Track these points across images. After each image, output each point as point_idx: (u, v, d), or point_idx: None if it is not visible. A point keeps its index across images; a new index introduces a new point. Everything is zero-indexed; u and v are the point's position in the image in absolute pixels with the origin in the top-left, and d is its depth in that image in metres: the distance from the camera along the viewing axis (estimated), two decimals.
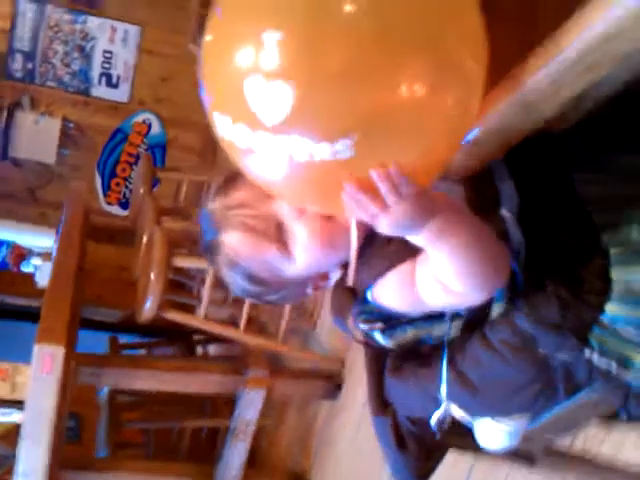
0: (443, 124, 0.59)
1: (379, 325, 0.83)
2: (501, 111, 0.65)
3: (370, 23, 0.53)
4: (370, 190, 0.59)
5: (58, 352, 2.13)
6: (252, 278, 0.79)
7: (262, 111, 0.58)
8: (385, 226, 0.63)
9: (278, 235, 0.76)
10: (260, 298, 0.85)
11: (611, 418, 1.02)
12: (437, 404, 0.82)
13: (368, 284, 0.77)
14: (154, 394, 3.43)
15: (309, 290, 0.84)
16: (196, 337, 3.98)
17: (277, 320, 2.86)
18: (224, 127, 0.63)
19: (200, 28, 2.35)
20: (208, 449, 3.29)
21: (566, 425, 0.93)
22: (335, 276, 0.82)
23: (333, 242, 0.76)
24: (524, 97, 0.64)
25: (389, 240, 0.75)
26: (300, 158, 0.58)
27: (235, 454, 2.75)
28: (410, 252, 0.73)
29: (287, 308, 2.70)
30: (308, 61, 0.55)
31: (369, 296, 0.78)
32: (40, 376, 2.13)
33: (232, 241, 0.78)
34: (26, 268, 3.39)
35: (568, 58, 0.57)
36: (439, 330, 0.82)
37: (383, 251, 0.76)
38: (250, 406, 2.66)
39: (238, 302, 2.91)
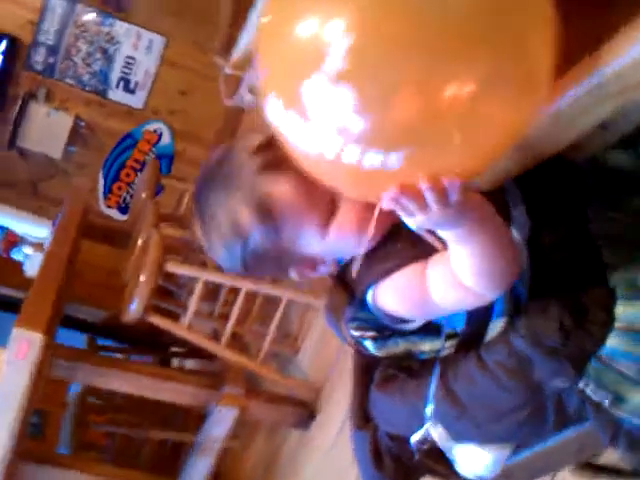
0: (502, 129, 0.57)
1: (371, 334, 0.82)
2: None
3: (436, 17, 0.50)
4: (412, 192, 0.57)
5: (36, 339, 2.10)
6: (272, 231, 0.74)
7: (319, 108, 0.55)
8: (419, 224, 0.62)
9: (327, 209, 0.73)
10: (251, 254, 0.76)
11: (590, 467, 1.02)
12: (421, 422, 0.81)
13: (370, 283, 0.76)
14: (124, 402, 3.38)
15: (293, 273, 0.80)
16: (174, 349, 3.94)
17: (260, 342, 2.83)
18: (275, 110, 0.59)
19: (226, 45, 2.38)
20: (171, 462, 3.23)
21: (547, 465, 0.92)
22: (324, 270, 0.81)
23: (377, 228, 0.74)
24: (558, 110, 0.64)
25: (396, 240, 0.75)
26: (348, 160, 0.56)
27: (197, 470, 2.70)
28: (417, 253, 0.72)
29: (272, 329, 2.68)
30: (375, 68, 0.52)
31: (369, 297, 0.77)
32: (14, 361, 2.10)
33: (284, 188, 0.71)
34: (16, 255, 3.36)
35: (605, 75, 0.58)
36: (430, 346, 0.81)
37: (389, 251, 0.75)
38: (220, 423, 2.62)
39: (223, 317, 2.89)
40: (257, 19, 1.97)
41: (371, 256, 0.76)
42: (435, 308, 0.73)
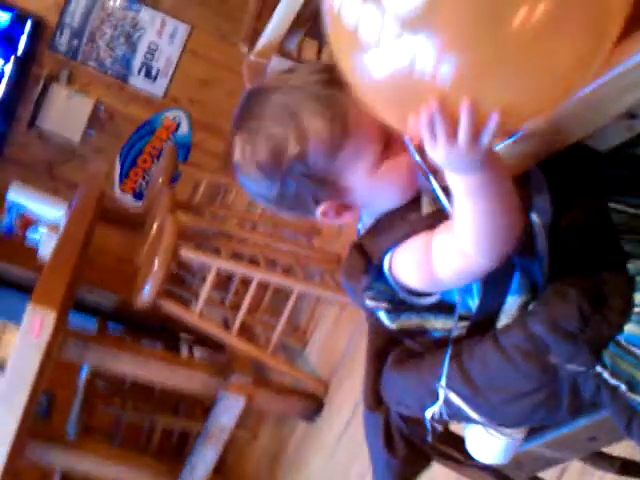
0: (560, 71, 0.56)
1: (385, 306, 0.81)
2: (562, 108, 0.65)
3: None
4: (449, 114, 0.56)
5: (50, 316, 2.11)
6: (334, 147, 0.72)
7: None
8: (440, 156, 0.61)
9: (386, 146, 0.74)
10: (293, 174, 0.74)
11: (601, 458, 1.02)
12: (435, 398, 0.81)
13: (386, 250, 0.76)
14: (132, 387, 3.40)
15: (321, 207, 0.79)
16: (183, 336, 3.95)
17: (269, 333, 2.84)
18: (351, 5, 0.57)
19: (251, 37, 2.39)
20: (176, 451, 3.25)
21: (558, 455, 0.92)
22: (348, 217, 0.80)
23: (411, 185, 0.77)
24: (580, 100, 0.64)
25: (412, 209, 0.75)
26: (402, 60, 0.55)
27: (203, 458, 2.71)
28: (431, 223, 0.73)
29: (282, 321, 2.69)
30: None
31: (385, 265, 0.77)
32: (28, 338, 2.11)
33: (354, 105, 0.67)
34: (32, 234, 3.38)
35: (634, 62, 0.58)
36: (443, 325, 0.81)
37: (406, 218, 0.76)
38: (227, 411, 2.63)
39: (234, 307, 2.90)
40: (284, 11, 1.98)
41: (391, 224, 0.77)
42: (440, 278, 0.73)
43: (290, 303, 2.68)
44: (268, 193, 0.79)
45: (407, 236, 0.75)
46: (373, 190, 0.77)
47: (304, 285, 2.74)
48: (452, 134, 0.58)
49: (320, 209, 0.79)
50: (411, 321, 0.81)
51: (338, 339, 2.82)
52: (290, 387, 2.88)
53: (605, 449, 0.93)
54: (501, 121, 0.57)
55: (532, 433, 0.87)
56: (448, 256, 0.71)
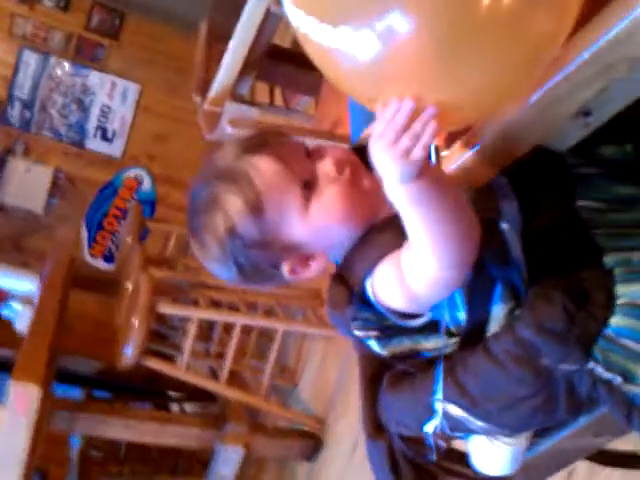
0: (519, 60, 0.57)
1: (374, 334, 0.82)
2: (509, 120, 0.67)
3: None
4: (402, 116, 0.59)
5: (34, 391, 2.07)
6: (260, 215, 0.75)
7: None
8: (379, 152, 0.61)
9: (306, 186, 0.76)
10: (241, 250, 0.77)
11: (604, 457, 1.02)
12: (432, 414, 0.81)
13: (364, 276, 0.76)
14: (127, 451, 3.33)
15: (284, 268, 0.80)
16: (172, 394, 3.90)
17: (259, 376, 2.81)
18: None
19: (202, 87, 2.42)
20: None
21: (564, 457, 0.92)
22: (316, 267, 0.81)
23: (351, 214, 0.77)
24: (534, 104, 0.66)
25: (384, 232, 0.76)
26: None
27: None
28: (402, 242, 0.72)
29: (270, 362, 2.67)
30: None
31: (369, 292, 0.77)
32: (14, 416, 2.07)
33: (266, 166, 0.74)
34: (6, 312, 3.32)
35: (584, 58, 0.60)
36: (434, 344, 0.81)
37: (377, 241, 0.76)
38: (226, 463, 2.59)
39: (220, 355, 2.87)
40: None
41: (364, 249, 0.77)
42: (416, 294, 0.72)
43: (276, 344, 2.66)
44: (233, 276, 0.81)
45: (380, 258, 0.75)
46: (319, 232, 0.78)
47: (287, 324, 2.73)
48: (395, 136, 0.59)
49: (285, 270, 0.80)
50: (402, 345, 0.81)
51: (328, 373, 2.80)
52: (287, 429, 2.85)
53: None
54: (440, 121, 0.58)
55: (535, 438, 0.87)
56: (416, 271, 0.70)
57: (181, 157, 4.68)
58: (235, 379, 3.04)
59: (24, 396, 2.06)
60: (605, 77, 0.62)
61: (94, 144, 4.49)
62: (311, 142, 0.75)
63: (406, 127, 0.59)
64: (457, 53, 0.56)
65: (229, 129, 1.82)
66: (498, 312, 0.77)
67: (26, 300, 3.29)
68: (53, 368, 2.51)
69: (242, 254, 0.78)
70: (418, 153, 0.59)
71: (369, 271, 0.75)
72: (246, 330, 2.81)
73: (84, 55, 4.33)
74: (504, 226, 0.76)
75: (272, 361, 2.68)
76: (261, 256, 0.79)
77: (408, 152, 0.59)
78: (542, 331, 0.72)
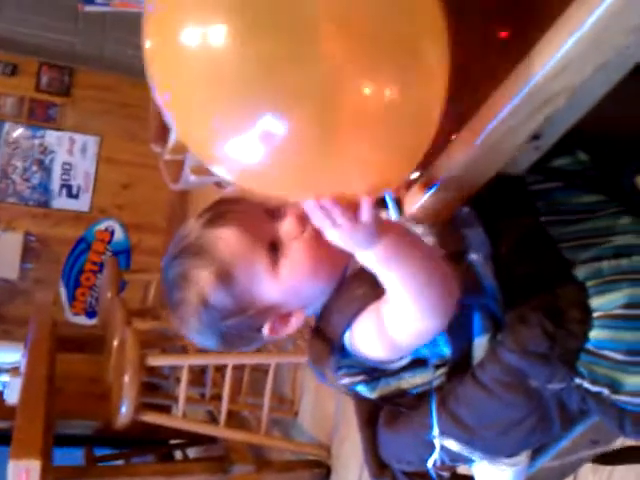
0: (404, 135, 0.58)
1: (360, 378, 0.83)
2: (462, 159, 0.68)
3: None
4: (326, 205, 0.61)
5: (34, 466, 2.04)
6: (230, 285, 0.76)
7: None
8: (337, 240, 0.64)
9: (271, 249, 0.76)
10: (219, 321, 0.78)
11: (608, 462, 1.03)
12: (432, 448, 0.82)
13: (344, 329, 0.77)
14: None
15: (265, 329, 0.81)
16: (174, 442, 3.86)
17: (257, 412, 2.80)
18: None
19: (161, 132, 2.42)
20: None
21: (566, 466, 0.93)
22: (296, 322, 0.82)
23: (320, 267, 0.77)
24: (483, 143, 0.68)
25: (358, 284, 0.77)
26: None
27: None
28: (378, 294, 0.74)
29: (267, 398, 2.66)
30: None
31: (347, 343, 0.78)
32: None
33: (228, 236, 0.75)
34: None
35: (524, 93, 0.62)
36: (422, 379, 0.82)
37: (353, 295, 0.77)
38: None
39: (215, 398, 2.86)
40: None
41: (340, 304, 0.78)
42: (399, 344, 0.74)
43: (270, 378, 2.65)
44: (215, 344, 0.82)
45: (359, 312, 0.76)
46: (292, 291, 0.78)
47: (279, 357, 2.72)
48: (333, 221, 0.62)
49: (266, 331, 0.81)
50: (390, 385, 0.82)
51: (326, 399, 2.80)
52: (293, 460, 2.83)
53: None
54: (374, 191, 0.61)
55: (536, 452, 0.88)
56: (398, 324, 0.72)
57: (149, 202, 4.67)
58: (234, 419, 3.02)
59: (25, 473, 2.02)
60: (547, 109, 0.64)
61: (60, 202, 4.47)
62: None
63: (331, 210, 0.61)
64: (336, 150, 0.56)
65: (192, 178, 1.82)
66: (480, 340, 0.78)
67: (14, 371, 3.26)
68: (50, 438, 2.48)
69: (220, 324, 0.79)
70: (365, 215, 0.62)
71: (347, 325, 0.77)
72: (238, 368, 2.79)
73: (38, 116, 4.32)
74: (473, 256, 0.78)
75: (268, 395, 2.67)
76: (239, 323, 0.79)
77: (355, 220, 0.61)
78: (525, 354, 0.73)
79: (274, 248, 0.77)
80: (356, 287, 0.77)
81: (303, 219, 0.77)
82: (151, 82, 0.58)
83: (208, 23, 0.51)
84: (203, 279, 0.77)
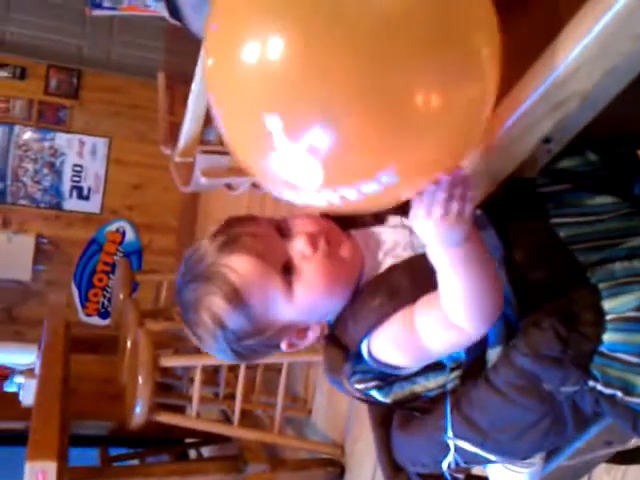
0: (463, 124, 0.59)
1: (374, 384, 0.83)
2: (479, 160, 0.69)
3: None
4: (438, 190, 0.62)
5: (50, 468, 2.06)
6: (244, 311, 0.76)
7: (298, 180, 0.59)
8: (433, 229, 0.65)
9: (284, 271, 0.76)
10: (236, 343, 0.79)
11: (622, 461, 1.03)
12: (447, 450, 0.82)
13: (361, 339, 0.78)
14: None
15: (283, 345, 0.82)
16: (188, 440, 3.88)
17: (271, 411, 2.81)
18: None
19: (170, 133, 2.42)
20: None
21: (580, 467, 0.93)
22: (313, 335, 0.82)
23: (334, 284, 0.77)
24: (495, 147, 0.68)
25: (374, 295, 0.77)
26: (352, 197, 0.59)
27: None
28: (397, 304, 0.75)
29: (280, 396, 2.67)
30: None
31: (364, 351, 0.79)
32: None
33: (239, 264, 0.75)
34: (9, 388, 3.30)
35: (535, 99, 0.62)
36: (435, 383, 0.83)
37: (369, 305, 0.78)
38: None
39: (229, 397, 2.87)
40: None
41: (356, 314, 0.78)
42: (430, 353, 0.76)
43: (282, 377, 2.66)
44: (233, 360, 0.83)
45: (378, 322, 0.76)
46: (308, 309, 0.79)
47: (291, 356, 2.72)
48: (445, 209, 0.62)
49: (283, 346, 0.82)
50: (404, 390, 0.83)
51: (340, 398, 2.81)
52: (307, 459, 2.84)
53: None
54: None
55: (551, 453, 0.89)
56: (438, 334, 0.73)
57: (160, 202, 4.69)
58: (248, 418, 3.03)
59: (41, 474, 2.04)
60: (557, 113, 0.64)
61: (71, 204, 4.49)
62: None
63: (449, 196, 0.62)
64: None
65: (203, 180, 1.83)
66: (495, 344, 0.78)
67: (29, 372, 3.28)
68: (66, 438, 2.50)
69: (238, 345, 0.79)
70: (468, 210, 0.63)
71: (365, 335, 0.77)
72: (251, 367, 2.80)
73: (47, 119, 4.34)
74: None
75: (281, 394, 2.67)
76: (257, 342, 0.80)
77: (460, 215, 0.63)
78: (539, 358, 0.73)
79: (287, 270, 0.76)
80: (372, 297, 0.77)
81: (314, 237, 0.77)
82: (210, 96, 0.60)
83: (268, 37, 0.52)
84: (218, 305, 0.76)
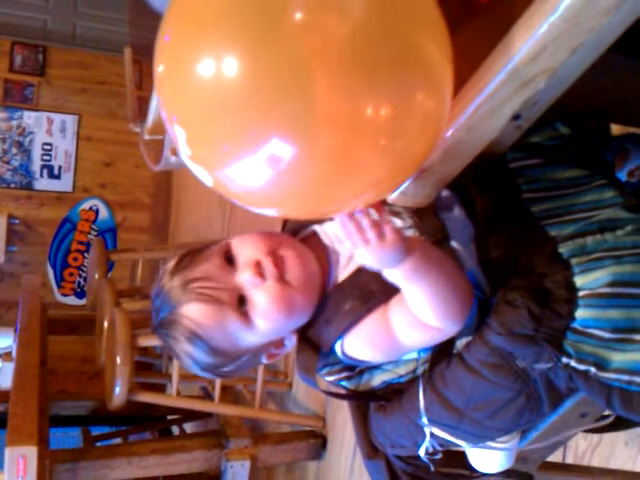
0: (420, 135, 0.59)
1: (344, 374, 0.85)
2: (441, 143, 0.67)
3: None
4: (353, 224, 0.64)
5: (31, 452, 2.05)
6: (211, 349, 0.78)
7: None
8: (366, 258, 0.66)
9: (239, 305, 0.76)
10: (216, 370, 0.82)
11: (597, 430, 1.04)
12: (424, 434, 0.83)
13: (334, 340, 0.79)
14: None
15: (263, 358, 0.84)
16: (170, 417, 3.89)
17: (252, 386, 2.82)
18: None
19: (139, 110, 2.37)
20: None
21: (556, 439, 0.94)
22: (290, 343, 0.83)
23: (291, 307, 0.77)
24: (463, 126, 0.67)
25: (344, 300, 0.78)
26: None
27: None
28: (370, 306, 0.76)
29: (260, 372, 2.67)
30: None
31: (337, 349, 0.80)
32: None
33: (193, 313, 0.76)
34: None
35: (501, 77, 0.61)
36: (406, 369, 0.83)
37: (341, 310, 0.78)
38: (237, 478, 2.59)
39: None
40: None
41: (329, 318, 0.79)
42: (405, 349, 0.78)
43: None
44: (223, 374, 0.85)
45: (351, 326, 0.77)
46: (273, 332, 0.79)
47: None
48: (364, 237, 0.63)
49: (264, 360, 0.84)
50: (373, 379, 0.84)
51: None
52: (289, 432, 2.86)
53: None
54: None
55: (526, 429, 0.89)
56: (414, 333, 0.75)
57: (133, 179, 4.63)
58: (229, 394, 3.04)
59: (21, 459, 2.03)
60: (526, 91, 0.63)
61: (43, 184, 4.42)
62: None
63: (359, 226, 0.64)
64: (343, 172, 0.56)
65: (173, 159, 1.80)
66: (465, 324, 0.78)
67: (5, 356, 3.26)
68: (46, 421, 2.49)
69: (219, 371, 0.83)
70: (388, 233, 0.64)
71: (339, 337, 0.79)
72: None
73: (14, 97, 4.24)
74: (454, 244, 0.77)
75: (262, 369, 2.68)
76: (236, 367, 0.82)
77: (381, 237, 0.64)
78: (512, 336, 0.73)
79: (242, 301, 0.77)
80: (344, 302, 0.78)
81: (260, 265, 0.77)
82: (160, 101, 0.59)
83: (221, 54, 0.52)
84: (187, 349, 0.79)
